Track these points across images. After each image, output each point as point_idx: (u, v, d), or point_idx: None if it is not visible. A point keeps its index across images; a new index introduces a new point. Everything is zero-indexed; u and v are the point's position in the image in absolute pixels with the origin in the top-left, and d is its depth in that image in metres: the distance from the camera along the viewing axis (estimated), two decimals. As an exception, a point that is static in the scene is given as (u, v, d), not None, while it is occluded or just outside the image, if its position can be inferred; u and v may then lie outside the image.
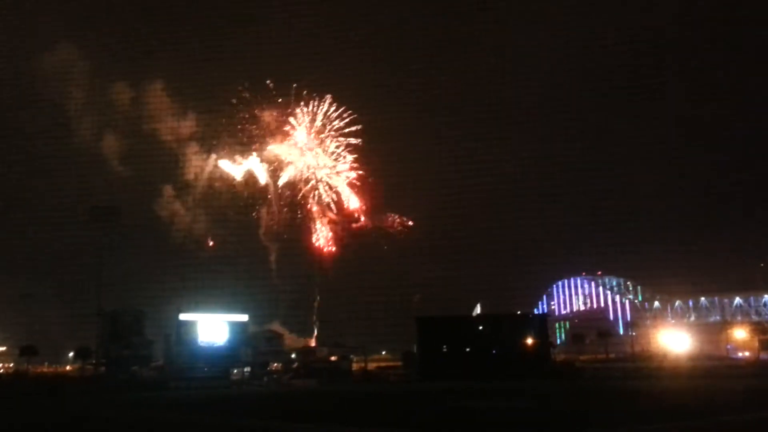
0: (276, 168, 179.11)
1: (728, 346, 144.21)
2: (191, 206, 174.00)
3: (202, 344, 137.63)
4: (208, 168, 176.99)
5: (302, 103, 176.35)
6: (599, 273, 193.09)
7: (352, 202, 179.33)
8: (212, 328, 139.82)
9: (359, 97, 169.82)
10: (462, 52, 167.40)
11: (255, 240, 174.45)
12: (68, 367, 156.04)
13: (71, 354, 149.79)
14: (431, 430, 53.40)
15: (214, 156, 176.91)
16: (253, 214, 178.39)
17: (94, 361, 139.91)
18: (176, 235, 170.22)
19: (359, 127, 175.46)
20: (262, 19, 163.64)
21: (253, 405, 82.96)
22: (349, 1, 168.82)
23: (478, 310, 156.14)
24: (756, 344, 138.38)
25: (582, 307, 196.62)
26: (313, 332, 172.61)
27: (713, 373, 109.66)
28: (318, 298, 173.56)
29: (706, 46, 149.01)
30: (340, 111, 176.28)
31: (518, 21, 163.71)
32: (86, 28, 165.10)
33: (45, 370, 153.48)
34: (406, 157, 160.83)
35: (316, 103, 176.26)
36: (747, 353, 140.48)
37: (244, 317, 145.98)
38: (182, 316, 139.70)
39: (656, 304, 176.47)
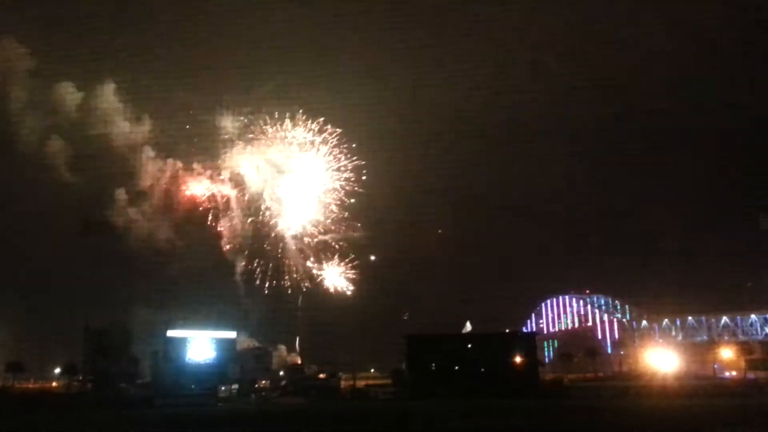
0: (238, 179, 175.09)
1: (715, 366, 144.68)
2: (165, 219, 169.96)
3: (189, 361, 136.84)
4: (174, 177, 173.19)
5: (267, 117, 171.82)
6: (587, 291, 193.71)
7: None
8: (200, 345, 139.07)
9: (342, 111, 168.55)
10: (449, 66, 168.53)
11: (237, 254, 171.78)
12: (54, 383, 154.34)
13: (57, 370, 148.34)
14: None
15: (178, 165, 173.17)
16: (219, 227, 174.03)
17: (80, 378, 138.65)
18: (150, 249, 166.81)
19: (345, 145, 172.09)
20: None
21: (240, 423, 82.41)
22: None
23: (467, 328, 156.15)
24: (742, 364, 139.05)
25: (570, 326, 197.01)
26: (301, 350, 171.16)
27: (701, 393, 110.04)
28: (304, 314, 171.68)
29: (699, 56, 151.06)
30: (318, 124, 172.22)
31: (506, 36, 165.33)
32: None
33: (30, 386, 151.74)
34: (395, 175, 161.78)
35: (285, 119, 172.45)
36: (734, 373, 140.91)
37: (232, 334, 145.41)
38: (170, 333, 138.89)
39: (644, 323, 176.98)
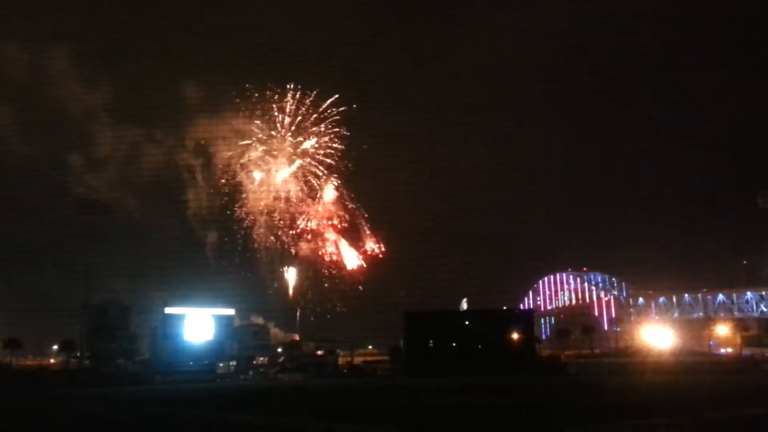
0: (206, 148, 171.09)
1: (711, 342, 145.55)
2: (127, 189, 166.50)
3: (187, 338, 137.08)
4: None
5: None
6: (585, 269, 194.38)
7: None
8: (198, 322, 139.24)
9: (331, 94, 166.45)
10: (444, 52, 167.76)
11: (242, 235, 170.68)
12: (52, 360, 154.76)
13: (55, 347, 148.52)
14: (433, 428, 51.92)
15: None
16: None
17: (78, 355, 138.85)
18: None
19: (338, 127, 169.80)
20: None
21: (238, 399, 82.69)
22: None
23: (464, 305, 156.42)
24: (738, 340, 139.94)
25: (567, 303, 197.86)
26: (299, 326, 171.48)
27: (697, 369, 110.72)
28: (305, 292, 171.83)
29: (698, 47, 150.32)
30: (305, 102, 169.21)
31: (503, 19, 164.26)
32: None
33: (29, 363, 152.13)
34: (392, 155, 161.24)
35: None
36: (729, 349, 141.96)
37: (230, 311, 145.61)
38: (168, 310, 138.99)
39: (640, 300, 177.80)
